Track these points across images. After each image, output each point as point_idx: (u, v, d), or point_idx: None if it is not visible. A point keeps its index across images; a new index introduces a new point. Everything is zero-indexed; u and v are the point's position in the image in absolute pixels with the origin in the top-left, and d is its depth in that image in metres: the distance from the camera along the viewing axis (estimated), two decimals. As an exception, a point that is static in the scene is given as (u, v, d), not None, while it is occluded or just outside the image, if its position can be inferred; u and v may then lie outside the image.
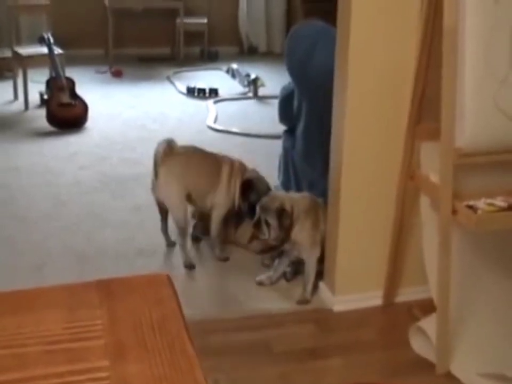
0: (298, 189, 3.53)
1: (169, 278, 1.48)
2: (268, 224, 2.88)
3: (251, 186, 3.20)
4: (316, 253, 2.93)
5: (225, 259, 3.21)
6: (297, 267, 3.08)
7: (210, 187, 3.16)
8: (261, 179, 3.30)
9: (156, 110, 5.86)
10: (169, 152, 3.11)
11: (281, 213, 2.86)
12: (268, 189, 3.27)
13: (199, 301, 2.91)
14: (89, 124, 5.34)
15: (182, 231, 3.15)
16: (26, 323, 1.31)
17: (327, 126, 2.80)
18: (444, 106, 2.27)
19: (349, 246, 2.81)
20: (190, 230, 3.36)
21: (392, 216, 2.75)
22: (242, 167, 3.30)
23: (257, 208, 2.93)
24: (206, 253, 3.34)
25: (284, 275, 3.08)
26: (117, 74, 6.95)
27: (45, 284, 1.54)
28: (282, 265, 3.06)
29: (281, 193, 3.21)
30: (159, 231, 3.41)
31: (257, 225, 2.91)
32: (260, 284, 3.04)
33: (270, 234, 2.90)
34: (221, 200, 3.18)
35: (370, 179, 2.73)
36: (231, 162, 3.25)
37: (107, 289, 1.42)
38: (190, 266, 3.15)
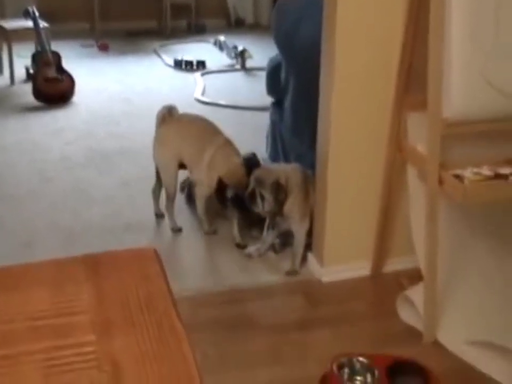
0: (286, 161, 3.51)
1: (156, 253, 1.48)
2: (262, 197, 2.87)
3: (225, 185, 3.11)
4: (306, 226, 2.93)
5: (213, 232, 3.21)
6: (286, 239, 3.08)
7: (195, 162, 3.14)
8: (237, 173, 3.10)
9: (142, 83, 5.81)
10: (168, 118, 3.17)
11: (277, 187, 2.85)
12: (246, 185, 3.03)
13: (187, 275, 2.92)
14: (75, 98, 5.29)
15: (169, 196, 3.23)
16: (13, 300, 1.31)
17: (314, 98, 2.78)
18: (430, 76, 2.26)
19: (337, 218, 2.81)
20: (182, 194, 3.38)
21: (381, 187, 2.75)
22: (228, 151, 3.12)
23: (251, 180, 2.91)
24: (196, 223, 3.33)
25: (272, 247, 3.09)
26: (103, 49, 6.87)
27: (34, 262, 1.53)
28: (271, 237, 3.06)
29: (275, 165, 3.18)
30: (148, 206, 3.40)
31: (251, 197, 2.89)
32: (249, 256, 3.04)
33: (264, 207, 2.89)
34: (202, 179, 3.12)
35: (358, 151, 2.72)
36: (218, 146, 3.13)
37: (93, 264, 1.42)
38: (176, 230, 3.21)
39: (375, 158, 2.72)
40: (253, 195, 2.89)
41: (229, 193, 3.08)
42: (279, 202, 2.86)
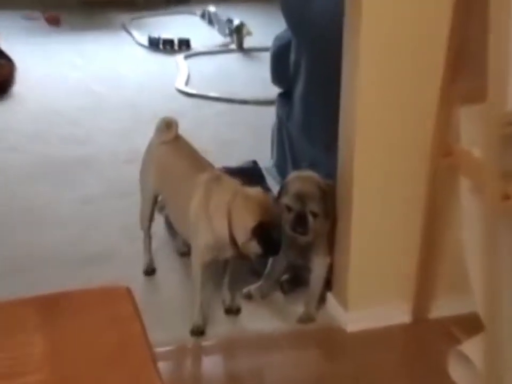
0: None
1: (129, 291, 1.49)
2: (314, 216, 2.85)
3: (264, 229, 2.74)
4: (327, 259, 2.95)
5: (202, 330, 2.95)
6: (297, 274, 3.10)
7: (182, 207, 2.91)
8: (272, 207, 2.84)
9: (107, 69, 5.86)
10: (165, 133, 3.06)
11: (325, 197, 2.87)
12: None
13: (169, 320, 2.91)
14: (18, 89, 5.32)
15: (141, 226, 3.24)
16: None
17: (333, 88, 2.80)
18: (492, 56, 2.24)
19: (365, 245, 2.82)
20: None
21: (422, 206, 2.76)
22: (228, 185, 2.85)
23: (293, 200, 2.84)
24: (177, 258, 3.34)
25: (280, 285, 3.10)
26: (53, 22, 6.89)
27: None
28: (277, 272, 3.08)
29: (297, 173, 3.12)
30: (117, 230, 3.43)
31: (300, 221, 2.84)
32: (248, 297, 3.05)
33: (316, 226, 2.87)
34: (198, 234, 2.83)
35: (391, 159, 2.73)
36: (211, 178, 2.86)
37: (49, 308, 1.43)
38: (148, 272, 3.23)
39: (415, 168, 2.72)
40: (302, 218, 2.86)
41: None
42: (329, 217, 2.89)
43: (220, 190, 2.78)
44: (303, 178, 2.94)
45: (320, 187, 2.86)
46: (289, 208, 2.85)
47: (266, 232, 2.69)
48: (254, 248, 2.70)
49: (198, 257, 2.84)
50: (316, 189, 2.85)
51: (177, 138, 3.05)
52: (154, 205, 3.17)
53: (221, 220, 2.72)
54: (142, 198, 3.18)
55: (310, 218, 2.83)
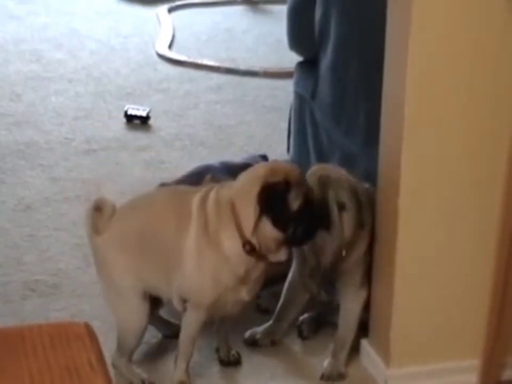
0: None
1: (88, 329, 1.53)
2: (341, 207, 2.81)
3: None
4: (364, 294, 2.97)
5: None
6: (321, 312, 3.13)
7: (171, 256, 2.87)
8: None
9: (61, 23, 5.90)
10: (99, 220, 3.05)
11: (357, 195, 2.86)
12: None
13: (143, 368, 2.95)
14: None
15: (123, 349, 3.11)
16: None
17: (376, 55, 2.82)
18: None
19: (415, 277, 2.82)
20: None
21: (494, 230, 2.78)
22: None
23: (314, 183, 2.81)
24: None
25: (297, 328, 3.12)
26: None
27: None
28: (294, 309, 3.09)
29: (322, 166, 3.09)
30: (69, 246, 3.47)
31: (323, 208, 2.80)
32: (251, 343, 3.07)
33: (343, 223, 2.82)
34: (202, 271, 2.85)
35: (454, 159, 2.74)
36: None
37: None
38: None
39: (489, 172, 2.75)
40: (323, 207, 2.81)
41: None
42: (364, 229, 2.90)
43: (216, 202, 2.81)
44: (329, 170, 2.93)
45: (353, 191, 2.86)
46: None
47: (275, 194, 2.68)
48: (269, 231, 2.67)
49: (200, 307, 2.85)
50: (345, 184, 2.83)
51: (122, 213, 3.05)
52: (145, 311, 3.10)
53: (228, 230, 2.74)
54: (117, 310, 3.04)
55: (335, 209, 2.80)
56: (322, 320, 3.15)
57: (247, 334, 3.09)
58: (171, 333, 3.09)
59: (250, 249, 2.68)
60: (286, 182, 2.63)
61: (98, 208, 3.00)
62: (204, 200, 2.83)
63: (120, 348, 2.96)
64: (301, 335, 3.13)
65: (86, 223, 2.99)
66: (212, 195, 2.81)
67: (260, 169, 2.74)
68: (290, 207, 2.64)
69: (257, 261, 2.71)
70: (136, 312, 2.93)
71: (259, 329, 3.11)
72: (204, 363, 2.99)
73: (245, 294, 2.76)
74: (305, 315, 3.15)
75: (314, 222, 2.70)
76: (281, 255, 2.72)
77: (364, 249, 2.91)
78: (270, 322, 3.11)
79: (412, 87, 2.69)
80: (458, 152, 2.75)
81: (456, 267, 2.86)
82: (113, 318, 2.99)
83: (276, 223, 2.62)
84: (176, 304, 2.86)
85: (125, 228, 2.95)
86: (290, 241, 2.70)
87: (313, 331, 3.15)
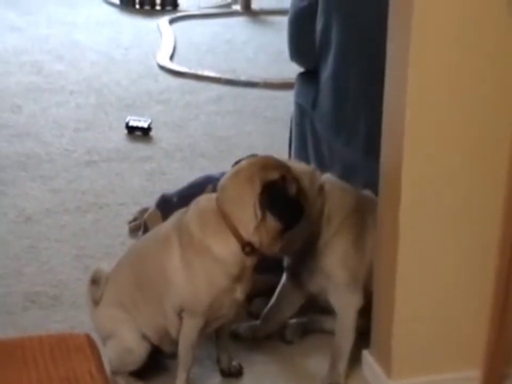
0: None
1: (90, 341, 1.53)
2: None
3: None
4: (356, 300, 2.97)
5: None
6: (313, 322, 3.15)
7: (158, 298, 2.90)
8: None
9: (61, 35, 5.91)
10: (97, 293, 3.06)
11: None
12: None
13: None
14: None
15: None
16: None
17: (376, 65, 2.83)
18: None
19: (416, 286, 2.83)
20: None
21: (496, 240, 2.78)
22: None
23: None
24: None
25: (281, 332, 3.14)
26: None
27: None
28: (281, 315, 3.11)
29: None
30: (69, 257, 3.47)
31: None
32: (235, 336, 3.08)
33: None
34: (194, 282, 2.85)
35: (454, 174, 2.74)
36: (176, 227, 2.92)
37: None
38: None
39: (487, 182, 2.75)
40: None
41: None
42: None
43: (198, 216, 2.83)
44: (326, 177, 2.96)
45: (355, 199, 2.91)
46: None
47: (277, 191, 2.72)
48: (272, 226, 2.70)
49: (196, 314, 2.85)
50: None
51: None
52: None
53: (216, 236, 2.74)
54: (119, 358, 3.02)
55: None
56: (315, 328, 3.16)
57: (232, 327, 3.08)
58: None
59: (250, 250, 2.71)
60: (282, 177, 2.70)
61: (94, 282, 3.03)
62: (178, 220, 2.87)
63: (116, 372, 2.94)
64: (284, 339, 3.14)
65: (86, 299, 3.03)
66: (190, 212, 2.82)
67: (246, 172, 2.75)
68: (290, 198, 2.72)
69: (253, 257, 2.74)
70: (138, 355, 2.94)
71: (244, 325, 3.14)
72: (205, 374, 2.98)
73: (239, 294, 2.77)
74: (294, 320, 3.16)
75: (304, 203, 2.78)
76: (276, 246, 2.76)
77: (347, 251, 2.94)
78: (257, 321, 3.15)
79: (412, 97, 2.70)
80: (459, 161, 2.75)
81: (457, 277, 2.85)
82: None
83: (281, 217, 2.69)
84: (172, 318, 2.85)
85: (119, 286, 2.98)
86: (288, 228, 2.75)
87: (299, 336, 3.15)
